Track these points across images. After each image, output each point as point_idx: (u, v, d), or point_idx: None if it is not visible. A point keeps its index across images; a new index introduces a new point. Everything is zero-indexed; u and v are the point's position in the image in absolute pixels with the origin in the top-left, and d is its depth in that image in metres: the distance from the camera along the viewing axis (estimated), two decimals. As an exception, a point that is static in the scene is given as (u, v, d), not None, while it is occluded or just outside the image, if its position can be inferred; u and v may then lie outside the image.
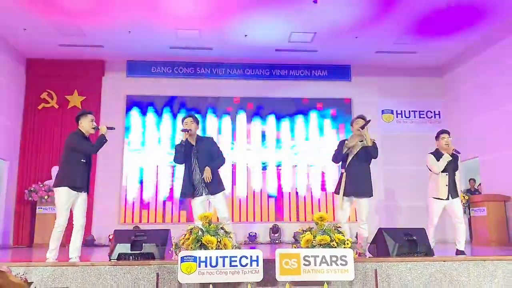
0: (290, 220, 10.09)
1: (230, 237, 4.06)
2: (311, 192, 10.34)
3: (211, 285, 3.75)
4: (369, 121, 5.27)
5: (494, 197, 8.66)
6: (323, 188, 10.37)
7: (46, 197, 9.05)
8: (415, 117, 10.90)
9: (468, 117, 9.96)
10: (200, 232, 3.96)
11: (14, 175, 9.60)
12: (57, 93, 10.17)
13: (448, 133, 5.65)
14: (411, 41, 9.51)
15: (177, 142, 5.31)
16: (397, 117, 10.88)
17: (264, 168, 10.39)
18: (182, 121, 5.27)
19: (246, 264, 3.82)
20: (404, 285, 4.18)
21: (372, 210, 8.72)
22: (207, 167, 5.05)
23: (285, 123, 10.65)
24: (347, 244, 3.94)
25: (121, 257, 4.43)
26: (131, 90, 10.43)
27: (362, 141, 5.25)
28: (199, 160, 5.13)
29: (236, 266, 3.81)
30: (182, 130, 5.17)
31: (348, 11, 8.24)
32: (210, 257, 3.82)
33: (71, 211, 4.78)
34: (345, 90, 10.81)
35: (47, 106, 10.11)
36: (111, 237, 8.52)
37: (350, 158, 5.27)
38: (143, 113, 10.42)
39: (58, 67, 10.18)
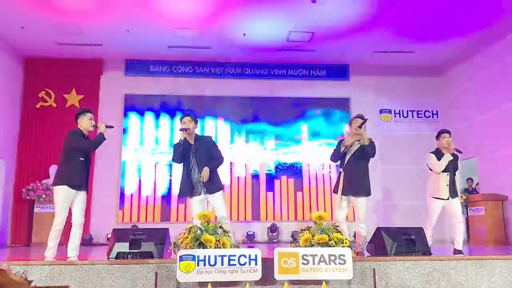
0: (288, 219, 10.10)
1: (228, 236, 4.07)
2: (310, 191, 10.35)
3: (209, 283, 3.76)
4: (366, 119, 5.29)
5: (491, 196, 8.68)
6: (321, 187, 10.38)
7: (43, 196, 9.03)
8: (413, 116, 10.92)
9: (466, 116, 9.99)
10: (198, 231, 3.97)
11: (12, 173, 9.58)
12: (55, 92, 10.15)
13: (449, 132, 5.68)
14: (409, 41, 9.53)
15: (176, 141, 5.31)
16: (395, 116, 10.90)
17: (262, 167, 10.39)
18: (181, 120, 5.28)
19: (245, 263, 3.83)
20: (402, 284, 4.19)
21: (370, 209, 8.74)
22: (205, 167, 5.05)
23: (283, 122, 10.66)
24: (346, 243, 3.95)
25: (120, 256, 4.44)
26: (129, 89, 10.41)
27: (359, 140, 5.27)
28: (198, 159, 5.14)
29: (235, 265, 3.82)
30: (181, 129, 5.17)
31: (347, 10, 8.25)
32: (209, 256, 3.83)
33: (70, 210, 4.78)
34: (343, 90, 10.81)
35: (45, 104, 10.09)
36: (109, 236, 8.54)
37: (348, 157, 5.28)
38: (141, 112, 10.40)
39: (56, 65, 10.16)
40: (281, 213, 10.17)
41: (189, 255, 3.83)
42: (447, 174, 5.47)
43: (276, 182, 10.36)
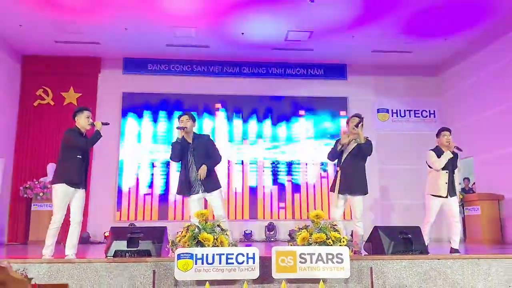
0: (285, 218, 10.12)
1: (226, 234, 4.08)
2: (307, 190, 10.37)
3: (207, 282, 3.77)
4: (362, 118, 5.31)
5: (488, 196, 8.72)
6: (319, 186, 10.40)
7: (41, 194, 9.02)
8: (410, 116, 10.95)
9: (463, 116, 10.01)
10: (196, 230, 3.98)
11: (9, 171, 9.55)
12: (53, 90, 10.12)
13: (449, 130, 5.71)
14: (407, 40, 9.55)
15: (174, 139, 5.32)
16: (392, 116, 10.92)
17: (260, 166, 10.40)
18: (178, 118, 5.26)
19: (243, 262, 3.84)
20: (399, 282, 4.21)
21: (367, 208, 8.77)
22: (203, 165, 5.05)
23: (281, 121, 10.67)
24: (343, 242, 3.97)
25: (118, 254, 4.43)
26: (127, 87, 10.40)
27: (356, 138, 5.29)
28: (196, 158, 5.14)
29: (233, 263, 3.83)
30: (178, 128, 5.16)
31: (345, 10, 8.27)
32: (207, 254, 3.84)
33: (68, 208, 4.78)
34: (341, 89, 10.82)
35: (43, 103, 10.06)
36: (106, 234, 8.54)
37: (344, 156, 5.31)
38: (139, 110, 10.39)
39: (54, 64, 10.13)
40: (279, 212, 10.19)
41: (187, 253, 3.83)
42: (446, 172, 5.50)
43: (274, 180, 10.37)
